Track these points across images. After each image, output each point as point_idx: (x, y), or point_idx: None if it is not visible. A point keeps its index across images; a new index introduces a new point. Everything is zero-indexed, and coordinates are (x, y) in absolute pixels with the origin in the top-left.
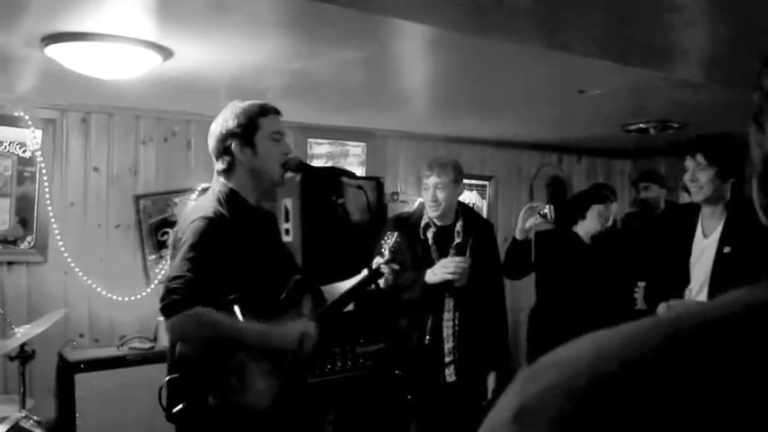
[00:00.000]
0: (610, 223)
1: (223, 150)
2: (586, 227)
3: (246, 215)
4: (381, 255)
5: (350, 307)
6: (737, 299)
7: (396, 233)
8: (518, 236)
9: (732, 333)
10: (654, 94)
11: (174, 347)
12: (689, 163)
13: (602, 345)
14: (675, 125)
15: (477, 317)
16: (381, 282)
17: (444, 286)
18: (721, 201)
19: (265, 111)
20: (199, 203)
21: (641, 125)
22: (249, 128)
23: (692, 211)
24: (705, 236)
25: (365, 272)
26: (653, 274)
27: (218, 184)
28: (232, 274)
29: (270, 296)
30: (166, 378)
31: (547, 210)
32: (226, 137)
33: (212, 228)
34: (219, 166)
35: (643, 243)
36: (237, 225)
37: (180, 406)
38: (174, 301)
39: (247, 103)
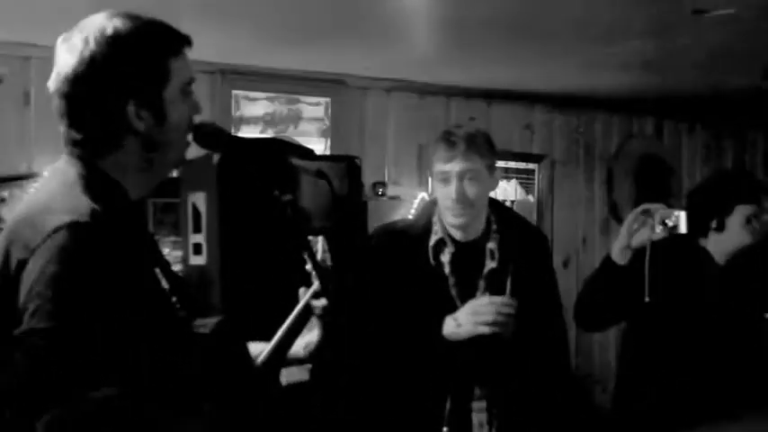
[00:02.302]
0: (762, 235)
1: (97, 109)
2: (726, 241)
3: (128, 218)
4: (308, 280)
5: (300, 376)
6: None
7: (321, 239)
8: (618, 257)
9: None
10: None
11: None
12: None
13: None
14: None
15: (527, 395)
16: (315, 330)
17: (475, 345)
18: None
19: (178, 44)
20: (47, 196)
21: None
22: (156, 76)
23: None
24: None
25: (294, 312)
26: None
27: (75, 165)
28: (125, 322)
29: (176, 354)
30: None
31: (675, 218)
32: (107, 85)
33: (90, 242)
34: (82, 134)
35: None
36: (121, 235)
37: None
38: (57, 377)
39: (141, 21)
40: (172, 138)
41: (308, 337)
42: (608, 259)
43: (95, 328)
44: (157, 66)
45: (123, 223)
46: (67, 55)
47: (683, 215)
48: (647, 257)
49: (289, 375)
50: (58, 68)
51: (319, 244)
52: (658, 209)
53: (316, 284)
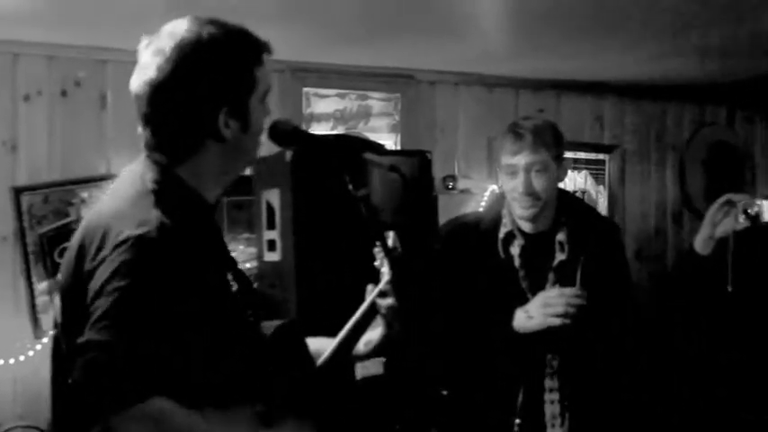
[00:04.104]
0: None
1: (186, 115)
2: None
3: (202, 223)
4: (376, 276)
5: (375, 370)
6: None
7: (393, 234)
8: (701, 248)
9: None
10: None
11: None
12: None
13: None
14: None
15: (600, 387)
16: (378, 329)
17: (546, 337)
18: None
19: (260, 53)
20: (121, 202)
21: None
22: (245, 85)
23: None
24: None
25: (360, 310)
26: None
27: (153, 171)
28: (191, 330)
29: (240, 358)
30: None
31: (759, 207)
32: (201, 93)
33: (156, 254)
34: (165, 138)
35: None
36: (191, 244)
37: None
38: (110, 389)
39: (228, 29)
40: (251, 143)
41: (370, 335)
42: (691, 250)
43: (152, 343)
44: (247, 75)
45: (196, 232)
46: (155, 59)
47: (765, 204)
48: (731, 247)
49: (363, 369)
50: (143, 73)
51: (390, 239)
52: (741, 199)
53: (383, 283)
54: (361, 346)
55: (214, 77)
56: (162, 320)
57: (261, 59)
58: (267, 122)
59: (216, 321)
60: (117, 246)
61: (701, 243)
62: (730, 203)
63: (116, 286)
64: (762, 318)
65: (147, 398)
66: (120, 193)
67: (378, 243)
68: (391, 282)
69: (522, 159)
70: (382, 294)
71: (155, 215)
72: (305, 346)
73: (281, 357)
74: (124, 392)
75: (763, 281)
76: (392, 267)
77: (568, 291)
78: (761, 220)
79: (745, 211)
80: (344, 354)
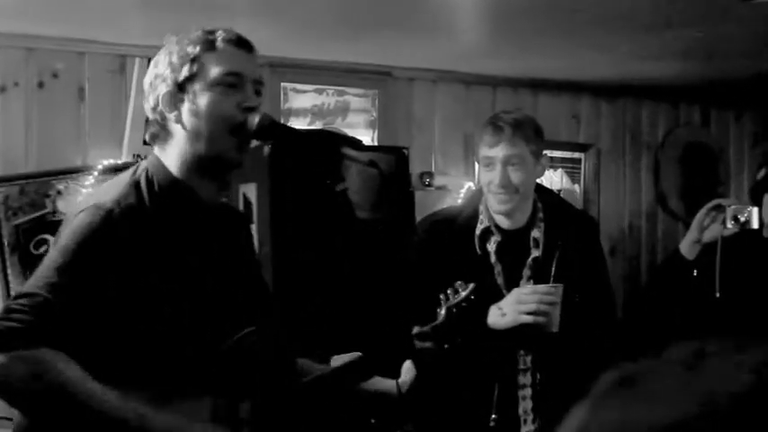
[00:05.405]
0: None
1: (152, 106)
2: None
3: (190, 214)
4: (434, 317)
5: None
6: None
7: (472, 285)
8: (687, 252)
9: None
10: None
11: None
12: None
13: None
14: None
15: (573, 384)
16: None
17: (519, 334)
18: None
19: (212, 41)
20: (102, 187)
21: None
22: (184, 68)
23: None
24: None
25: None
26: None
27: (149, 161)
28: (128, 308)
29: (196, 351)
30: None
31: (747, 213)
32: (154, 80)
33: (106, 225)
34: (149, 130)
35: None
36: (162, 225)
37: None
38: (7, 330)
39: (197, 29)
40: (207, 130)
41: (405, 377)
42: (676, 253)
43: (74, 297)
44: (186, 59)
45: (183, 216)
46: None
47: (755, 211)
48: (719, 253)
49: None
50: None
51: (465, 292)
52: (730, 204)
53: (429, 326)
54: (394, 388)
55: (164, 61)
56: (86, 281)
57: (211, 45)
58: (239, 113)
59: (178, 299)
60: (77, 214)
61: (687, 247)
62: (719, 208)
63: (57, 246)
64: (750, 325)
65: (34, 344)
66: (115, 178)
67: (447, 293)
68: (440, 327)
69: (499, 152)
70: (424, 335)
71: (120, 192)
72: (290, 351)
73: (241, 362)
74: (15, 335)
75: (751, 288)
76: (447, 316)
77: (542, 288)
78: (750, 226)
79: (734, 217)
80: (341, 379)
